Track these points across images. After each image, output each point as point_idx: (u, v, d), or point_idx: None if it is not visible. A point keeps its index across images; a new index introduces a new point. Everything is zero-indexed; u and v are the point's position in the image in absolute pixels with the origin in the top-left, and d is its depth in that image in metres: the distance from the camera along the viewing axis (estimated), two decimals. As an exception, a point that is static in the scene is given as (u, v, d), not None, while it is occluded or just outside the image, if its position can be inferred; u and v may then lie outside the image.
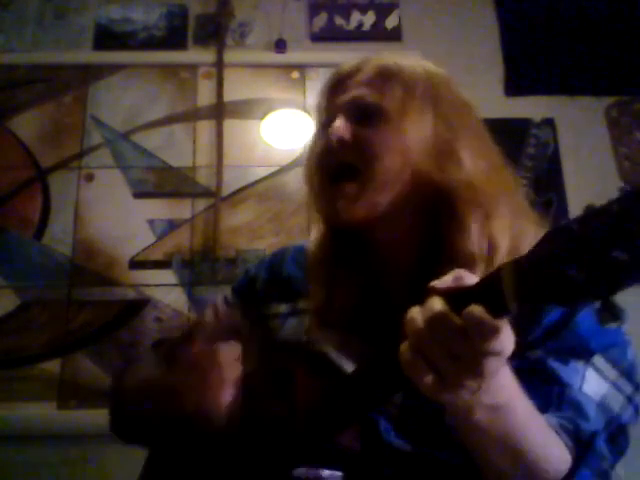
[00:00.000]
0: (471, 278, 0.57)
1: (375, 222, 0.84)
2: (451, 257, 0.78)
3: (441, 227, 0.81)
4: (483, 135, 0.88)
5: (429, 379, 0.55)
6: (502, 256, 0.77)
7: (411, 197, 0.82)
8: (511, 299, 0.50)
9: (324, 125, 0.89)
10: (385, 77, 0.85)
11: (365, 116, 0.84)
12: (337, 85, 0.90)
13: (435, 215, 0.82)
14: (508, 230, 0.79)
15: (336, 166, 0.84)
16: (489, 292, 0.52)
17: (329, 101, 0.90)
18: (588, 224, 0.44)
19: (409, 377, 0.56)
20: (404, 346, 0.56)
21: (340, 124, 0.84)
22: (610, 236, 0.43)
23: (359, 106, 0.85)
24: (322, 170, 0.87)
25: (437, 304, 0.54)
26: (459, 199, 0.80)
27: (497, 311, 0.52)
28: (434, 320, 0.54)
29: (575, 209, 2.03)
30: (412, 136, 0.82)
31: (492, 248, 0.78)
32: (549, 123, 2.18)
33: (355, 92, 0.86)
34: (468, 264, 0.76)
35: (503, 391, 0.59)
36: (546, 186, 2.04)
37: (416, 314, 0.55)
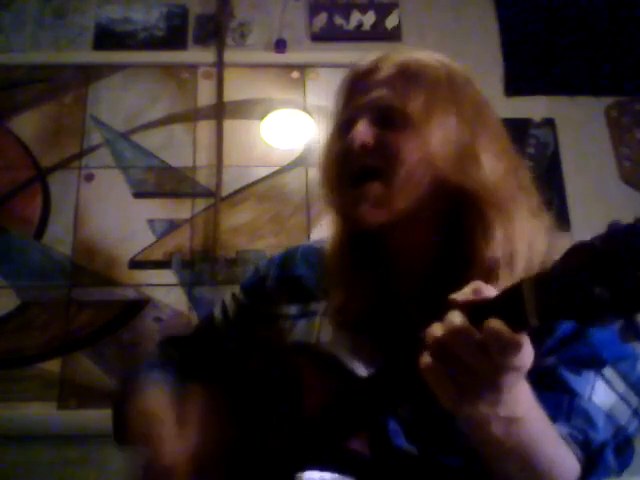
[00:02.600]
0: (490, 290, 0.56)
1: (394, 225, 0.82)
2: (473, 261, 0.76)
3: (464, 230, 0.79)
4: (502, 135, 0.86)
5: (449, 391, 0.55)
6: (520, 261, 0.76)
7: (433, 200, 0.81)
8: (532, 314, 0.50)
9: (343, 126, 0.86)
10: (407, 77, 0.82)
11: (388, 119, 0.82)
12: (356, 84, 0.87)
13: (457, 218, 0.80)
14: (526, 234, 0.78)
15: (358, 170, 0.82)
16: (509, 306, 0.52)
17: (348, 101, 0.87)
18: (612, 242, 0.44)
19: (429, 388, 0.56)
20: (425, 357, 0.56)
21: (362, 128, 0.82)
22: (636, 255, 0.42)
23: (381, 108, 0.82)
24: (343, 174, 0.84)
25: (457, 318, 0.54)
26: (481, 202, 0.78)
27: (517, 325, 0.51)
28: (454, 334, 0.54)
29: (575, 209, 2.03)
30: (435, 139, 0.80)
31: (512, 253, 0.77)
32: (549, 123, 2.18)
33: (376, 93, 0.83)
34: (490, 269, 0.75)
35: (520, 404, 0.59)
36: (546, 186, 2.03)
37: (437, 327, 0.56)
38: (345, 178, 0.84)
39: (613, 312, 0.45)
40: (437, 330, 0.55)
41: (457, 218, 0.80)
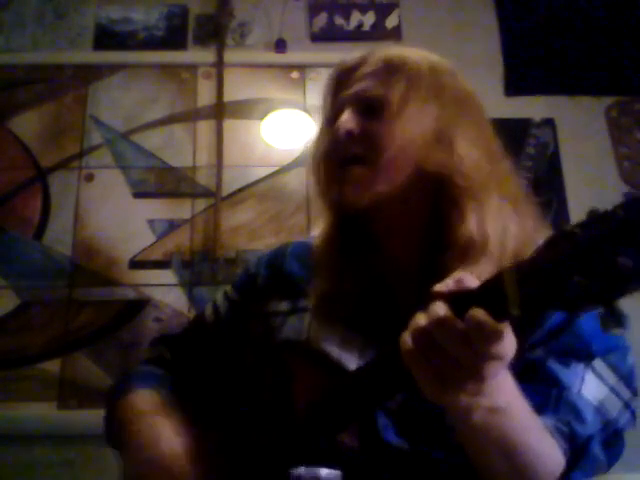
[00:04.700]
0: (472, 280, 0.57)
1: (380, 210, 0.85)
2: (451, 245, 0.79)
3: (443, 215, 0.82)
4: (483, 125, 0.89)
5: (430, 379, 0.56)
6: (494, 245, 0.78)
7: (414, 186, 0.84)
8: (513, 304, 0.50)
9: (330, 119, 0.90)
10: (389, 69, 0.86)
11: (371, 109, 0.85)
12: (342, 79, 0.91)
13: (437, 204, 0.83)
14: (499, 218, 0.80)
15: (344, 156, 0.85)
16: (491, 296, 0.53)
17: (334, 95, 0.91)
18: (592, 229, 0.44)
19: (412, 377, 0.56)
20: (407, 343, 0.57)
21: (347, 117, 0.85)
22: (615, 242, 0.42)
23: (365, 99, 0.86)
24: (330, 160, 0.88)
25: (440, 308, 0.55)
26: (455, 186, 0.81)
27: (499, 315, 0.52)
28: (436, 325, 0.54)
29: (575, 209, 2.03)
30: (415, 127, 0.83)
31: (484, 236, 0.79)
32: (549, 123, 2.18)
33: (360, 85, 0.87)
34: (466, 252, 0.77)
35: (502, 394, 0.59)
36: (546, 186, 2.04)
37: (420, 317, 0.56)
38: (332, 164, 0.87)
39: (593, 300, 0.45)
40: (421, 320, 0.56)
41: (437, 203, 0.83)
